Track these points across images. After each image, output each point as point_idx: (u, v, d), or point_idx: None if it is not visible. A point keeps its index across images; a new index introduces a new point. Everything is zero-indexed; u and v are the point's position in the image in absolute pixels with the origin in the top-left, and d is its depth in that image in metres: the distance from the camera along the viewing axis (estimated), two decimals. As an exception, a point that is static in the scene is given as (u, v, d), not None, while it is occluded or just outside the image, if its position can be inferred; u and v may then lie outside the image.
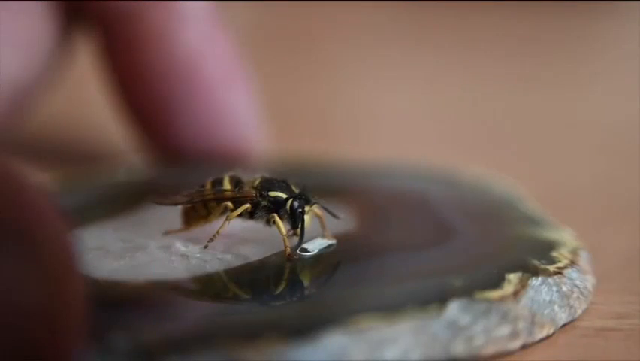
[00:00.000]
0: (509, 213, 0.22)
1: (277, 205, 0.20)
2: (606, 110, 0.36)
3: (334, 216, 0.20)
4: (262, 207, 0.20)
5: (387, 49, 0.46)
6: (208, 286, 0.18)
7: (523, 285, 0.18)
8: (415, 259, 0.19)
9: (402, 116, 0.35)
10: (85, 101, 0.35)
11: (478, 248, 0.20)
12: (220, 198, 0.20)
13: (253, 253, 0.19)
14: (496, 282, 0.18)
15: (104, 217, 0.21)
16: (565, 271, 0.19)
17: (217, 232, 0.20)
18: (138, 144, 0.27)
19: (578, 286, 0.19)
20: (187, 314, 0.17)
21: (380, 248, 0.20)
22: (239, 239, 0.20)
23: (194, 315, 0.17)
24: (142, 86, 0.26)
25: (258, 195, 0.20)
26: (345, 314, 0.16)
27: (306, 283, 0.19)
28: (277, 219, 0.19)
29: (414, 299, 0.17)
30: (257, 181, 0.20)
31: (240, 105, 0.26)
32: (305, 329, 0.16)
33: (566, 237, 0.21)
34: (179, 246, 0.20)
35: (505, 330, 0.17)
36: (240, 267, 0.19)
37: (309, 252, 0.19)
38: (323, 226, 0.20)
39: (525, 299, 0.18)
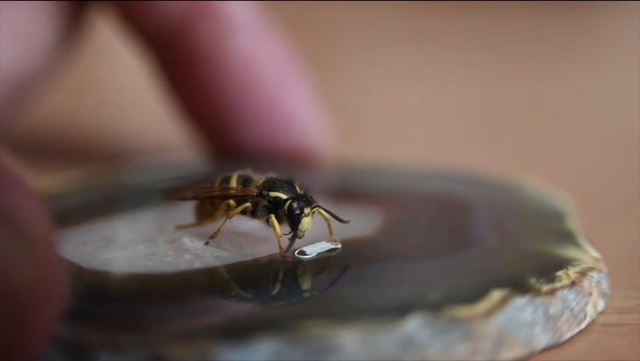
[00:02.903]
0: (543, 226, 0.21)
1: (276, 206, 0.19)
2: (610, 105, 0.35)
3: (339, 219, 0.20)
4: (262, 206, 0.20)
5: (391, 47, 0.46)
6: (179, 282, 0.18)
7: (502, 303, 0.17)
8: (411, 268, 0.19)
9: (407, 115, 0.35)
10: (95, 101, 0.36)
11: (484, 261, 0.19)
12: (224, 196, 0.20)
13: (252, 253, 0.19)
14: (476, 298, 0.17)
15: (130, 209, 0.22)
16: (559, 292, 0.18)
17: (218, 230, 0.20)
18: (201, 146, 0.27)
19: (571, 309, 0.18)
20: (135, 309, 0.17)
21: (385, 255, 0.20)
22: (251, 238, 0.20)
23: (141, 311, 0.17)
24: (202, 99, 0.26)
25: (258, 194, 0.20)
26: (292, 319, 0.16)
27: (276, 286, 0.18)
28: (273, 219, 0.19)
29: (374, 309, 0.17)
30: (261, 180, 0.20)
31: (301, 104, 0.26)
32: (242, 331, 0.16)
33: (585, 257, 0.19)
34: (186, 241, 0.20)
35: (464, 349, 0.16)
36: (229, 265, 0.19)
37: (307, 255, 0.19)
38: (330, 230, 0.20)
39: (498, 318, 0.17)
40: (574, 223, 0.21)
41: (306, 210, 0.19)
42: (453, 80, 0.40)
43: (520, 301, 0.17)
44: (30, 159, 0.26)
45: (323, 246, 0.20)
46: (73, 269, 0.19)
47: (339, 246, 0.20)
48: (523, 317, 0.17)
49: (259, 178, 0.20)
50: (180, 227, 0.20)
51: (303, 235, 0.19)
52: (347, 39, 0.48)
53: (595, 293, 0.19)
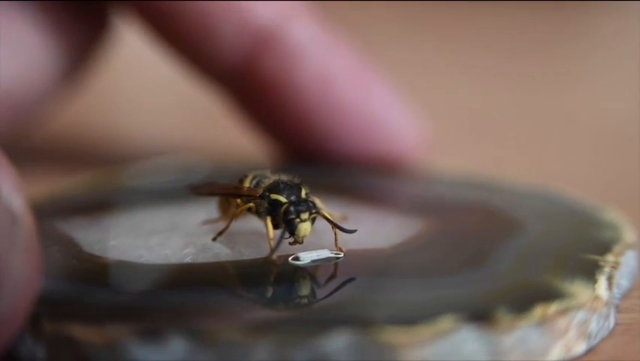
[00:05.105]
0: (575, 257, 0.19)
1: (276, 208, 0.19)
2: (610, 106, 0.36)
3: (342, 229, 0.19)
4: (264, 208, 0.20)
5: (390, 47, 0.44)
6: (144, 274, 0.19)
7: (447, 331, 0.16)
8: (390, 285, 0.18)
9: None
10: (97, 104, 0.35)
11: (475, 285, 0.18)
12: (232, 194, 0.20)
13: (256, 253, 0.19)
14: (422, 322, 0.16)
15: (168, 202, 0.23)
16: (519, 328, 0.16)
17: (225, 227, 0.20)
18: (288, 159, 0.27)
19: (528, 348, 0.16)
20: (78, 294, 0.18)
21: (379, 270, 0.19)
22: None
23: (81, 296, 0.18)
24: (283, 121, 0.26)
25: (261, 195, 0.20)
26: (207, 324, 0.16)
27: (227, 288, 0.18)
28: (267, 221, 0.19)
29: (300, 322, 0.16)
30: (269, 182, 0.20)
31: (386, 109, 0.25)
32: (154, 328, 0.16)
33: (584, 294, 0.18)
34: (202, 236, 0.20)
35: (380, 374, 0.16)
36: (217, 263, 0.19)
37: (300, 261, 0.19)
38: (335, 238, 0.19)
39: (433, 346, 0.16)
40: (612, 258, 0.19)
41: (303, 216, 0.19)
42: (452, 81, 0.39)
43: (466, 331, 0.16)
44: (34, 164, 0.28)
45: (320, 253, 0.19)
46: (73, 252, 0.20)
47: (341, 255, 0.19)
48: (463, 348, 0.16)
49: (269, 179, 0.20)
50: (205, 222, 0.21)
51: (302, 241, 0.19)
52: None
53: (573, 334, 0.17)
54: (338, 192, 0.23)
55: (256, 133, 0.27)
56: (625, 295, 0.19)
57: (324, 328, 0.16)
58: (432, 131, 0.26)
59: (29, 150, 0.28)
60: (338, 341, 0.16)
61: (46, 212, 0.22)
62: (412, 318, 0.16)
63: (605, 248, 0.20)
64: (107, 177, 0.25)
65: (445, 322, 0.16)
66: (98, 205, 0.23)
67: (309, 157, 0.26)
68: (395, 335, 0.16)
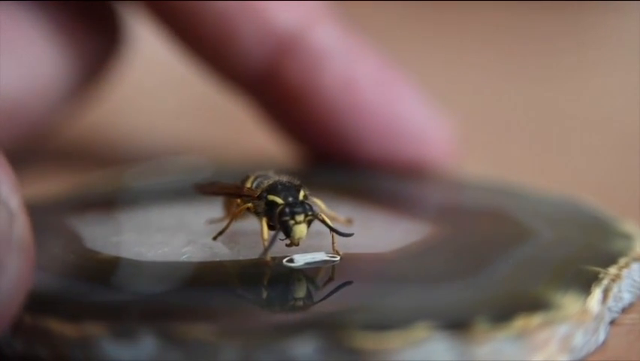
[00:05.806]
0: (576, 267, 0.19)
1: (272, 209, 0.19)
2: (610, 106, 0.36)
3: (338, 232, 0.19)
4: (262, 208, 0.19)
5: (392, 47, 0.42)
6: (133, 271, 0.19)
7: (418, 339, 0.16)
8: (377, 291, 0.18)
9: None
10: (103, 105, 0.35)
11: (463, 292, 0.18)
12: (231, 194, 0.20)
13: (253, 254, 0.19)
14: (395, 329, 0.16)
15: (183, 201, 0.23)
16: (493, 340, 0.16)
17: (225, 227, 0.20)
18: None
19: (502, 359, 0.16)
20: (59, 288, 0.18)
21: (372, 274, 0.19)
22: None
23: (62, 291, 0.18)
24: (310, 125, 0.26)
25: (259, 196, 0.20)
26: (179, 322, 0.16)
27: (214, 287, 0.18)
28: (263, 222, 0.19)
29: (274, 326, 0.16)
30: (269, 183, 0.20)
31: (412, 109, 0.25)
32: (130, 327, 0.16)
33: (572, 306, 0.17)
34: (205, 235, 0.20)
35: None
36: (208, 263, 0.19)
37: (294, 263, 0.19)
38: (332, 241, 0.19)
39: (401, 354, 0.16)
40: (614, 271, 0.19)
41: (298, 218, 0.19)
42: (451, 80, 0.39)
43: (438, 340, 0.16)
44: (43, 163, 0.28)
45: (315, 256, 0.19)
46: (74, 247, 0.20)
47: (337, 259, 0.19)
48: (434, 357, 0.16)
49: (269, 180, 0.20)
50: (210, 221, 0.21)
51: (297, 243, 0.19)
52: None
53: (554, 347, 0.17)
54: (351, 194, 0.23)
55: (280, 136, 0.27)
56: (627, 309, 0.19)
57: (293, 331, 0.16)
58: (461, 134, 0.26)
59: (39, 150, 0.29)
60: (306, 345, 0.16)
61: (57, 208, 0.22)
62: (386, 324, 0.16)
63: (611, 259, 0.19)
64: (119, 176, 0.26)
65: (418, 329, 0.16)
66: (109, 203, 0.23)
67: (334, 161, 0.26)
68: (364, 341, 0.16)
